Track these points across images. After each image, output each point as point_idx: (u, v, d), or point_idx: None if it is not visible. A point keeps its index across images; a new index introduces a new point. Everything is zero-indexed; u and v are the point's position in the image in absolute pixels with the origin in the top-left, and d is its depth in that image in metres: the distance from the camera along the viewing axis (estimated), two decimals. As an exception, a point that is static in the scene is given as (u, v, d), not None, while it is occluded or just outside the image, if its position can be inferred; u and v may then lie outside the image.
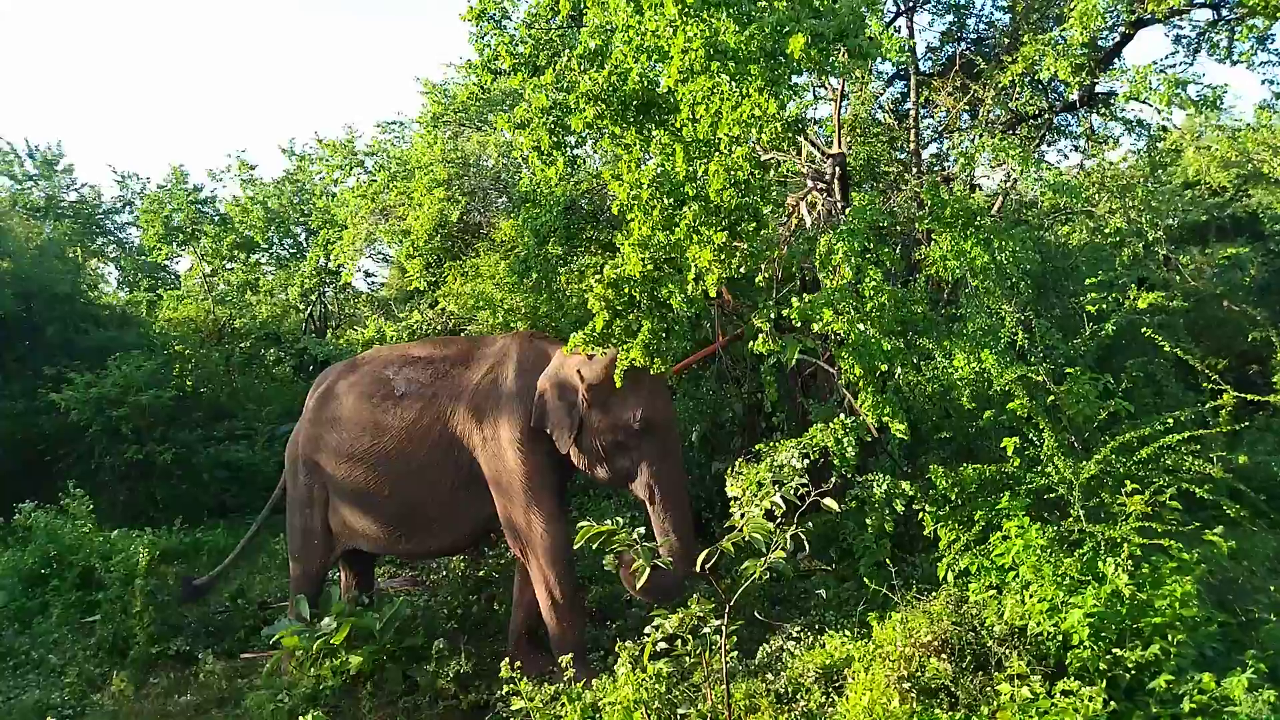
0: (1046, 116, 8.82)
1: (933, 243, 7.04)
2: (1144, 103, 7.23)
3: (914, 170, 8.85)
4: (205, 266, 16.81)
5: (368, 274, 17.56)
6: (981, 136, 8.42)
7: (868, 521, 6.46)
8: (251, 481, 12.41)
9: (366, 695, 6.55)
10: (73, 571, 8.66)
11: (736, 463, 6.17)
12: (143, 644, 7.65)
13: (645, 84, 6.09)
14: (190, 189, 16.98)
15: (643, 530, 5.20)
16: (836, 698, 5.23)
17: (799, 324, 6.24)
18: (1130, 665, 4.77)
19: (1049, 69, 7.11)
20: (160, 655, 7.72)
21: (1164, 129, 8.16)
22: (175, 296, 16.43)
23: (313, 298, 16.40)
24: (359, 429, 7.20)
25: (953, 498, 6.10)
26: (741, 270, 6.20)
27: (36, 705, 6.99)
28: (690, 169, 5.88)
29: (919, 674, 4.96)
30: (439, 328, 10.98)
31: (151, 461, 11.80)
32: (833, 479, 6.15)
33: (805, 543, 5.05)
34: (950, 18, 9.73)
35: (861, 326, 6.04)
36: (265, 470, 12.32)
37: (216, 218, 16.91)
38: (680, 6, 5.68)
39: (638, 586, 5.22)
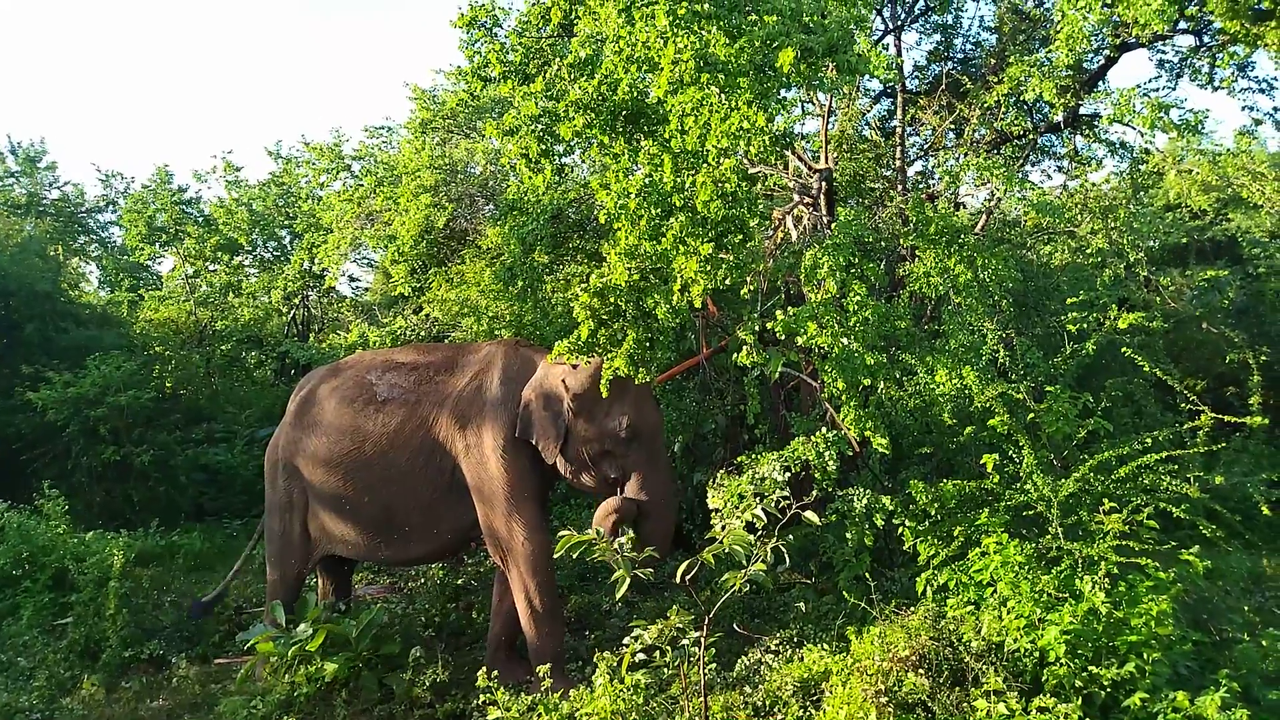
0: (1031, 137, 8.91)
1: (916, 259, 7.08)
2: (1127, 125, 7.31)
3: (899, 187, 8.91)
4: (188, 268, 16.69)
5: (352, 279, 17.50)
6: (966, 155, 8.50)
7: (848, 535, 6.48)
8: (230, 485, 12.31)
9: (341, 703, 6.50)
10: (45, 573, 8.54)
11: (718, 475, 6.18)
12: (115, 647, 7.56)
13: (635, 94, 6.11)
14: (174, 189, 16.88)
15: (623, 540, 5.20)
16: (814, 711, 5.23)
17: (783, 337, 6.27)
18: (1106, 683, 4.80)
19: (1034, 90, 7.19)
20: (133, 659, 7.62)
21: (1146, 152, 8.26)
22: (157, 297, 16.29)
23: (296, 301, 16.32)
24: (340, 434, 7.15)
25: (932, 513, 6.13)
26: (727, 282, 6.22)
27: (4, 708, 6.88)
28: (678, 180, 5.90)
29: (896, 689, 4.97)
30: (423, 334, 10.95)
31: (129, 463, 11.68)
32: (814, 492, 6.18)
33: (785, 556, 5.05)
34: (937, 37, 9.83)
35: (845, 341, 6.06)
36: (244, 473, 12.22)
37: (200, 219, 16.81)
38: (671, 18, 5.71)
39: (618, 595, 5.20)
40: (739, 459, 6.47)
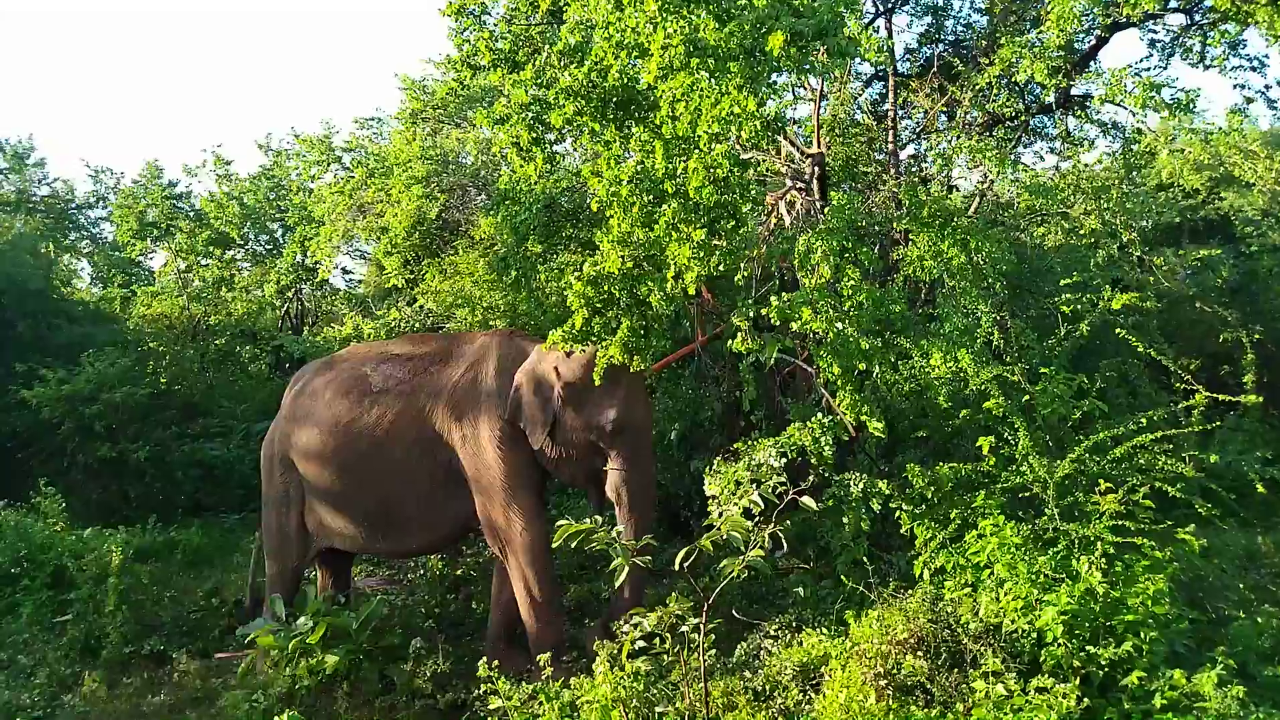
0: (1023, 118, 8.89)
1: (910, 243, 7.08)
2: (1119, 105, 7.30)
3: (892, 171, 8.89)
4: (180, 263, 16.62)
5: (345, 271, 17.46)
6: (959, 138, 8.47)
7: (845, 520, 6.49)
8: (226, 480, 12.29)
9: (343, 695, 6.51)
10: (44, 571, 8.53)
11: (715, 461, 6.18)
12: (115, 644, 7.56)
13: (625, 80, 6.08)
14: (165, 184, 16.79)
15: (621, 529, 5.20)
16: (814, 695, 5.26)
17: (778, 323, 6.27)
18: (1103, 662, 4.83)
19: (1026, 71, 7.16)
20: (133, 655, 7.62)
21: (1138, 132, 8.24)
22: (150, 293, 16.20)
23: (289, 294, 16.26)
24: (335, 427, 7.14)
25: (929, 496, 6.15)
26: (720, 268, 6.21)
27: (5, 707, 6.88)
28: (670, 166, 5.88)
29: (895, 671, 4.99)
30: (417, 325, 10.93)
31: (125, 459, 11.66)
32: (810, 478, 6.18)
33: (783, 541, 5.07)
34: (928, 20, 9.81)
35: (840, 326, 6.06)
36: (240, 468, 12.20)
37: (192, 213, 16.74)
38: (660, 3, 5.68)
39: (616, 584, 5.22)
40: (736, 445, 6.48)
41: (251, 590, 8.17)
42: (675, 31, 5.63)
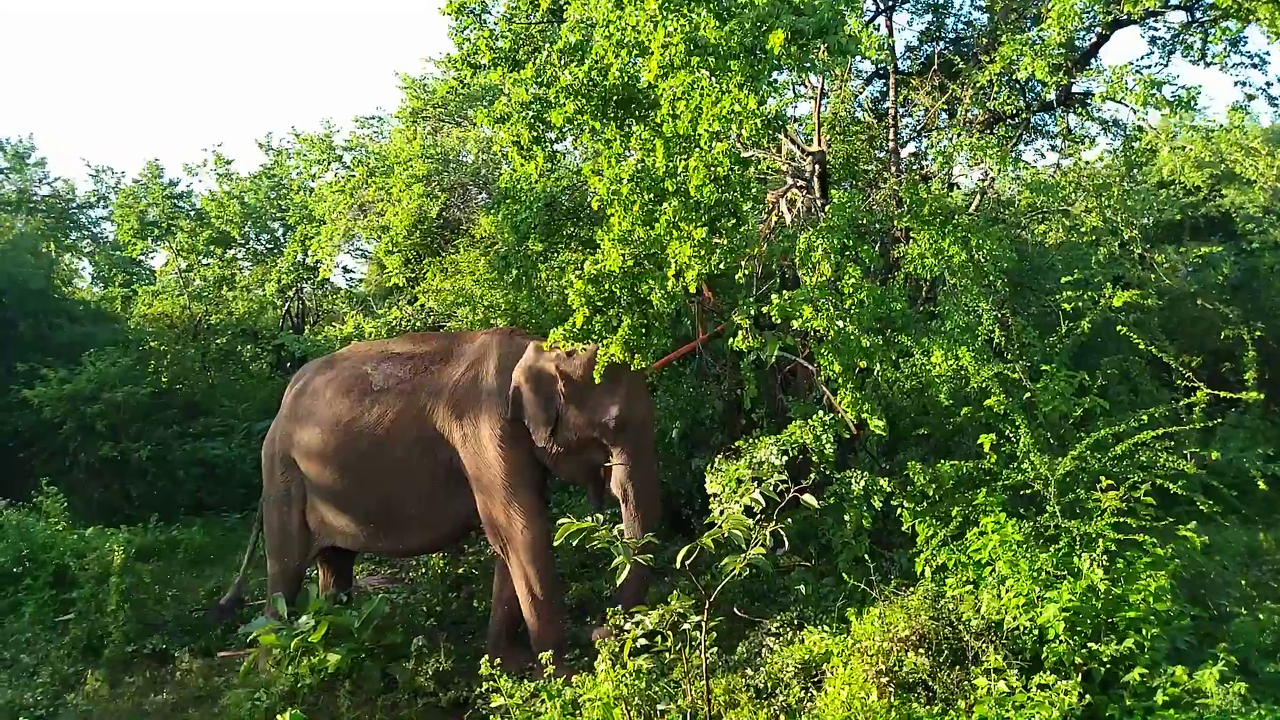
0: (1024, 116, 8.88)
1: (911, 241, 7.08)
2: (1120, 103, 7.30)
3: (893, 168, 8.89)
4: (181, 262, 16.62)
5: (346, 270, 17.48)
6: (959, 135, 8.46)
7: (846, 517, 6.50)
8: (228, 479, 12.31)
9: (345, 693, 6.52)
10: (46, 570, 8.54)
11: (716, 459, 6.18)
12: (118, 642, 7.57)
13: (625, 79, 6.08)
14: (166, 183, 16.80)
15: (623, 527, 5.21)
16: (815, 692, 5.26)
17: (779, 321, 6.27)
18: (1105, 659, 4.83)
19: (1026, 69, 7.16)
20: (136, 654, 7.64)
21: (1139, 129, 8.23)
22: (150, 292, 16.22)
23: (290, 293, 16.27)
24: (336, 426, 7.15)
25: (930, 494, 6.15)
26: (721, 267, 6.21)
27: (8, 706, 6.89)
28: (670, 164, 5.89)
29: (897, 668, 5.00)
30: (418, 324, 10.94)
31: (126, 459, 11.67)
32: (812, 475, 6.20)
33: (784, 539, 5.07)
34: (929, 17, 9.80)
35: (840, 323, 6.07)
36: (242, 467, 12.22)
37: (192, 213, 16.74)
38: (660, 1, 5.68)
39: (618, 582, 5.23)
40: (737, 444, 6.48)
41: (236, 588, 8.16)
42: (675, 30, 5.63)
